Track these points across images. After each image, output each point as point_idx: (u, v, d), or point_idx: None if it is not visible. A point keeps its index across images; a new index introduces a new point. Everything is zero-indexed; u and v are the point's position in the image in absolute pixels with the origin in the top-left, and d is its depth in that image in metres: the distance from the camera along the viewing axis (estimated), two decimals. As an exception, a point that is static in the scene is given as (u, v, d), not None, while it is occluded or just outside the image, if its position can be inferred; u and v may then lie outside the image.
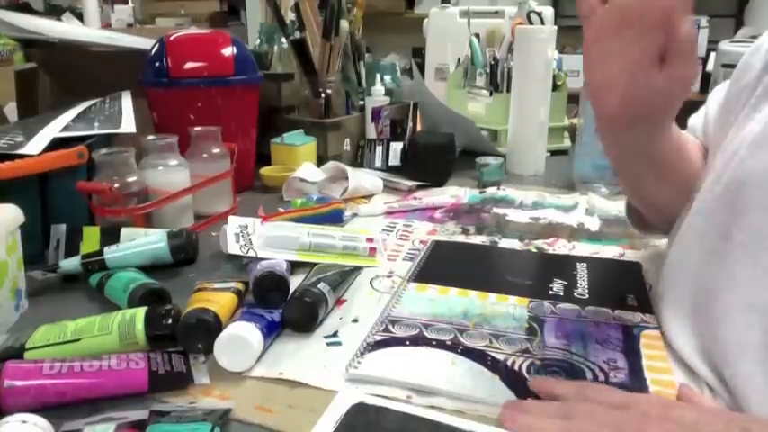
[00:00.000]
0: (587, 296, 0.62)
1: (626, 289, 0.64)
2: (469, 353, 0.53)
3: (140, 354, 0.50)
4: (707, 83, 2.30)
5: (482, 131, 1.16)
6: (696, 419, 0.39)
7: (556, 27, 1.06)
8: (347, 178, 0.96)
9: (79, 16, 2.19)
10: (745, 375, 0.43)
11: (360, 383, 0.49)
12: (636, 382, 0.49)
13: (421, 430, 0.44)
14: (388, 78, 1.25)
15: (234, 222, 0.75)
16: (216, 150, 0.88)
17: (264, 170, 1.02)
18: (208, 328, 0.52)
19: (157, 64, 0.91)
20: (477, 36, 1.28)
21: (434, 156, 1.03)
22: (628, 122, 0.50)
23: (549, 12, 1.34)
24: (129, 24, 2.79)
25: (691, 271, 0.52)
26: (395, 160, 1.07)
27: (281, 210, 0.85)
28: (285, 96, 1.14)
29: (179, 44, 0.93)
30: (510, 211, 0.90)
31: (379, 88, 1.13)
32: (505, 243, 0.78)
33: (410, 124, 1.08)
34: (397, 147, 1.07)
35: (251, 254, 0.68)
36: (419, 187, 1.01)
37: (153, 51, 0.92)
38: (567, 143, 1.25)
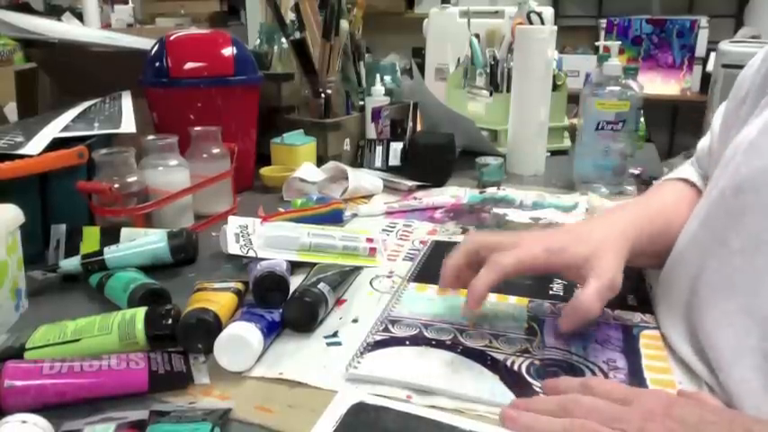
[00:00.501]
0: (587, 296, 0.62)
1: (626, 289, 0.63)
2: (469, 353, 0.53)
3: (140, 354, 0.50)
4: (707, 83, 2.30)
5: (482, 131, 1.16)
6: (699, 418, 0.39)
7: (556, 27, 1.06)
8: (347, 178, 0.96)
9: (79, 16, 2.19)
10: (740, 380, 0.44)
11: (359, 383, 0.49)
12: (635, 382, 0.49)
13: (421, 430, 0.44)
14: (388, 78, 1.25)
15: (234, 222, 0.75)
16: (216, 150, 0.88)
17: (264, 170, 1.02)
18: (208, 328, 0.52)
19: (157, 64, 0.91)
20: (477, 36, 1.28)
21: (434, 156, 1.03)
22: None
23: (549, 12, 1.34)
24: (129, 24, 2.80)
25: (687, 275, 0.52)
26: (395, 160, 1.07)
27: (281, 210, 0.85)
28: (285, 96, 1.14)
29: (179, 44, 0.93)
30: (510, 211, 0.90)
31: (379, 88, 1.13)
32: (505, 243, 0.78)
33: (410, 124, 1.08)
34: (397, 147, 1.07)
35: (251, 254, 0.68)
36: (419, 187, 1.01)
37: (153, 51, 0.92)
38: (567, 143, 1.25)
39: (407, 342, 0.54)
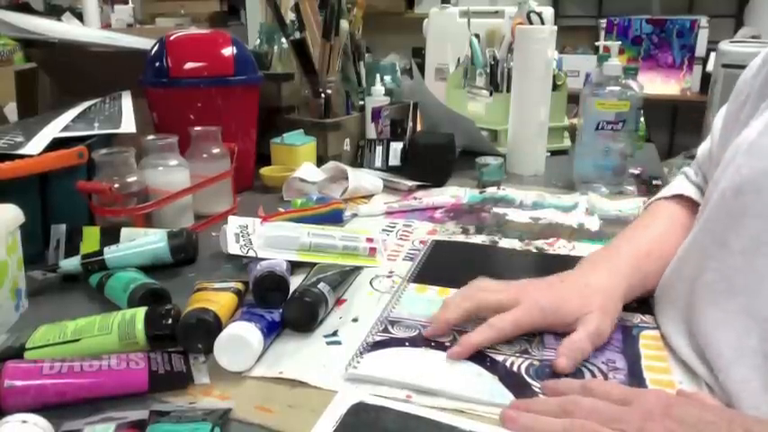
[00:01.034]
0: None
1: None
2: (469, 353, 0.53)
3: (140, 354, 0.50)
4: (707, 83, 2.30)
5: (482, 131, 1.16)
6: (699, 418, 0.39)
7: (556, 27, 1.06)
8: (347, 178, 0.96)
9: (79, 16, 2.19)
10: (740, 380, 0.44)
11: (359, 383, 0.49)
12: (635, 382, 0.49)
13: (421, 430, 0.44)
14: (388, 78, 1.25)
15: (234, 222, 0.75)
16: (216, 150, 0.88)
17: (264, 170, 1.02)
18: (208, 328, 0.52)
19: (157, 64, 0.91)
20: (477, 36, 1.28)
21: (434, 156, 1.03)
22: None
23: (549, 12, 1.34)
24: (129, 24, 2.79)
25: (688, 276, 0.52)
26: (395, 160, 1.07)
27: (281, 210, 0.85)
28: (285, 96, 1.14)
29: (179, 44, 0.93)
30: (510, 211, 0.90)
31: (379, 88, 1.13)
32: (505, 243, 0.78)
33: (410, 124, 1.08)
34: (397, 147, 1.07)
35: (251, 254, 0.68)
36: (419, 187, 1.01)
37: (153, 51, 0.92)
38: (567, 143, 1.25)
39: (407, 343, 0.54)
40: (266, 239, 0.70)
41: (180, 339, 0.52)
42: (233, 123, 0.94)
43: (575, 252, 0.75)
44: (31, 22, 0.99)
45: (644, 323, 0.57)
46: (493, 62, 1.23)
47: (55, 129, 0.76)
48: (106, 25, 2.62)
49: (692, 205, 0.65)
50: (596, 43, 1.21)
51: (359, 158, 1.12)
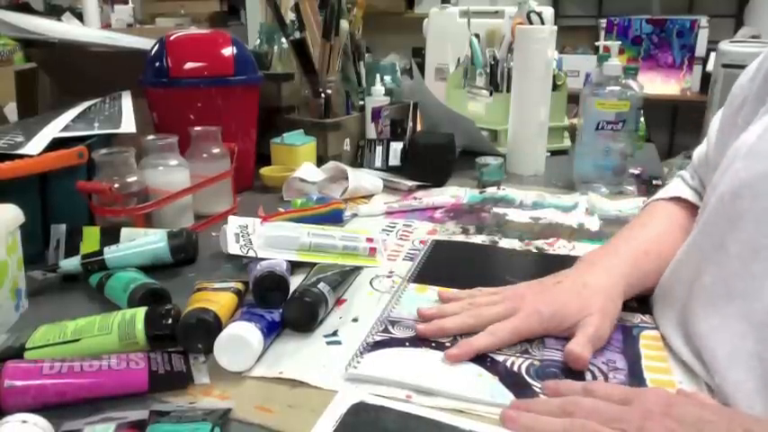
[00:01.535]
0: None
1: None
2: (469, 353, 0.52)
3: (140, 354, 0.50)
4: (707, 83, 2.30)
5: (482, 131, 1.16)
6: (698, 418, 0.39)
7: (556, 27, 1.06)
8: (347, 178, 0.96)
9: (79, 16, 2.19)
10: (735, 382, 0.44)
11: (359, 383, 0.49)
12: (635, 382, 0.49)
13: (421, 430, 0.44)
14: (388, 78, 1.25)
15: (234, 222, 0.75)
16: (216, 150, 0.88)
17: (264, 170, 1.02)
18: (208, 328, 0.52)
19: (157, 64, 0.91)
20: (477, 36, 1.28)
21: (434, 156, 1.03)
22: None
23: (549, 12, 1.34)
24: (129, 24, 2.79)
25: (686, 279, 0.52)
26: (395, 160, 1.07)
27: (281, 210, 0.85)
28: (285, 96, 1.14)
29: (179, 44, 0.93)
30: (510, 211, 0.90)
31: (379, 88, 1.13)
32: (505, 243, 0.78)
33: (410, 124, 1.08)
34: (397, 147, 1.07)
35: (251, 254, 0.68)
36: (419, 187, 1.01)
37: (153, 51, 0.92)
38: (567, 143, 1.25)
39: (407, 343, 0.54)
40: (266, 239, 0.70)
41: (180, 339, 0.52)
42: (233, 123, 0.94)
43: (575, 252, 0.75)
44: (31, 22, 0.99)
45: (644, 323, 0.57)
46: (493, 62, 1.23)
47: (55, 129, 0.76)
48: (106, 25, 2.62)
49: (689, 207, 0.65)
50: (596, 43, 1.21)
51: (359, 158, 1.12)
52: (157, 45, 0.93)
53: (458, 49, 1.37)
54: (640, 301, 0.60)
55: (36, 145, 0.72)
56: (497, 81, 1.22)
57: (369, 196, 0.98)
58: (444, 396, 0.47)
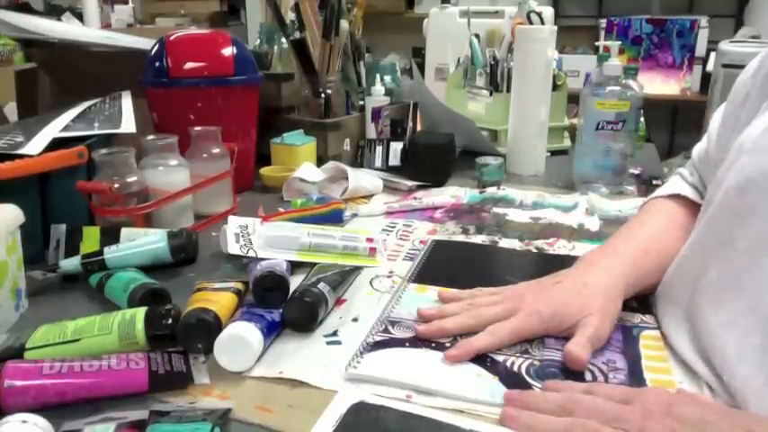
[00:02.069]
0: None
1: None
2: (469, 353, 0.52)
3: (140, 354, 0.50)
4: (707, 83, 2.30)
5: (482, 131, 1.16)
6: (700, 418, 0.39)
7: (556, 27, 1.06)
8: (347, 178, 0.96)
9: (79, 16, 2.19)
10: (744, 378, 0.44)
11: (359, 383, 0.49)
12: (635, 382, 0.49)
13: (421, 430, 0.44)
14: (388, 78, 1.25)
15: (234, 222, 0.75)
16: (216, 150, 0.88)
17: (264, 170, 1.02)
18: (208, 328, 0.52)
19: (157, 64, 0.91)
20: (477, 36, 1.28)
21: (434, 156, 1.03)
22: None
23: (549, 12, 1.34)
24: (129, 24, 2.79)
25: (691, 275, 0.52)
26: (395, 160, 1.07)
27: (281, 210, 0.85)
28: (285, 96, 1.14)
29: (179, 44, 0.93)
30: (510, 211, 0.90)
31: (379, 88, 1.13)
32: (505, 243, 0.78)
33: (410, 124, 1.08)
34: (397, 147, 1.07)
35: (251, 254, 0.68)
36: (419, 187, 1.01)
37: (153, 51, 0.92)
38: (567, 143, 1.25)
39: (407, 343, 0.54)
40: (266, 239, 0.70)
41: (180, 339, 0.52)
42: (233, 123, 0.94)
43: (575, 252, 0.75)
44: (31, 22, 0.99)
45: (644, 323, 0.57)
46: (493, 62, 1.23)
47: (55, 129, 0.76)
48: (106, 25, 2.62)
49: (689, 205, 0.65)
50: (596, 43, 1.21)
51: (359, 158, 1.12)
52: (157, 45, 0.93)
53: (458, 49, 1.37)
54: (640, 301, 0.60)
55: (36, 145, 0.72)
56: (497, 81, 1.22)
57: (369, 196, 0.98)
58: (444, 396, 0.47)
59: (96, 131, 0.80)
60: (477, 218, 0.88)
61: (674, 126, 2.98)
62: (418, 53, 2.11)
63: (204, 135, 0.88)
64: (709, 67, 2.39)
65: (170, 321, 0.53)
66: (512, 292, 0.58)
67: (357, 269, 0.69)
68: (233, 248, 0.69)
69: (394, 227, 0.85)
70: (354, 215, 0.89)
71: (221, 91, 0.93)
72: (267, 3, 1.27)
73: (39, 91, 1.09)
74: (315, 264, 0.67)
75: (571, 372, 0.50)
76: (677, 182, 0.69)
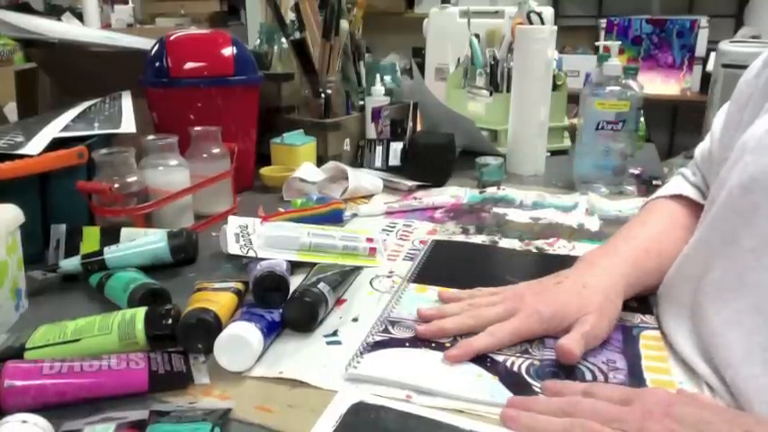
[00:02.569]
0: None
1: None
2: (469, 353, 0.52)
3: (140, 354, 0.50)
4: (707, 83, 2.30)
5: (482, 131, 1.16)
6: (699, 418, 0.39)
7: (556, 27, 1.06)
8: (347, 178, 0.96)
9: (79, 16, 2.19)
10: (749, 377, 0.44)
11: (359, 383, 0.49)
12: (635, 382, 0.49)
13: (421, 430, 0.44)
14: (388, 78, 1.25)
15: (234, 222, 0.75)
16: (216, 150, 0.88)
17: (264, 170, 1.02)
18: (208, 328, 0.52)
19: (157, 64, 0.91)
20: (477, 36, 1.28)
21: (434, 156, 1.03)
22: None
23: (549, 12, 1.34)
24: (129, 24, 2.79)
25: (694, 275, 0.52)
26: (395, 160, 1.07)
27: (281, 210, 0.85)
28: (285, 96, 1.14)
29: (179, 44, 0.93)
30: (510, 211, 0.90)
31: (379, 88, 1.13)
32: (505, 243, 0.78)
33: (410, 124, 1.08)
34: (397, 147, 1.07)
35: (251, 254, 0.68)
36: (419, 187, 1.01)
37: (153, 51, 0.92)
38: (567, 143, 1.25)
39: (407, 344, 0.54)
40: (266, 239, 0.70)
41: (180, 339, 0.52)
42: (233, 123, 0.94)
43: (575, 252, 0.75)
44: (31, 22, 0.99)
45: (644, 323, 0.57)
46: (493, 62, 1.23)
47: (55, 129, 0.76)
48: (106, 25, 2.62)
49: (691, 205, 0.65)
50: (596, 43, 1.21)
51: (359, 158, 1.12)
52: (157, 45, 0.93)
53: (458, 49, 1.37)
54: (640, 301, 0.60)
55: (36, 145, 0.72)
56: (497, 81, 1.22)
57: (369, 196, 0.98)
58: (444, 396, 0.47)
59: (96, 131, 0.80)
60: (477, 218, 0.88)
61: (674, 126, 2.98)
62: (418, 53, 2.11)
63: (204, 135, 0.88)
64: (710, 67, 2.39)
65: (170, 321, 0.53)
66: (512, 293, 0.58)
67: (357, 269, 0.69)
68: (233, 248, 0.69)
69: (394, 227, 0.85)
70: (354, 215, 0.89)
71: (221, 91, 0.93)
72: (267, 3, 1.27)
73: (39, 91, 1.09)
74: (315, 264, 0.67)
75: (571, 371, 0.50)
76: (679, 182, 0.69)
